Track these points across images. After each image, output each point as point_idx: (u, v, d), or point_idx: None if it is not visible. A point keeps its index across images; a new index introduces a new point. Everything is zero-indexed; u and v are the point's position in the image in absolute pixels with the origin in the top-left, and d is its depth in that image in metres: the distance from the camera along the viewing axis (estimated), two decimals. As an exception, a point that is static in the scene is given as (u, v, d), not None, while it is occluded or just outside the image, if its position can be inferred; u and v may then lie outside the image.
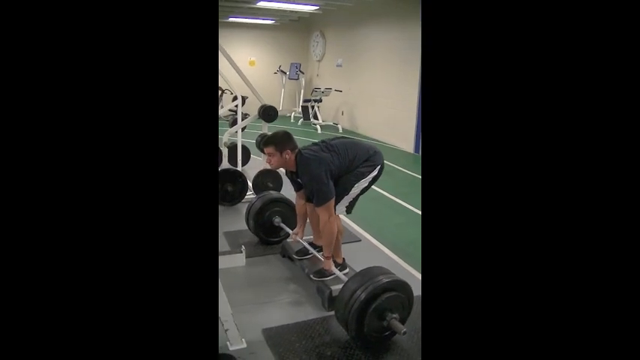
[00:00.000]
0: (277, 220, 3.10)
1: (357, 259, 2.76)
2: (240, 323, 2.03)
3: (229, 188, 3.87)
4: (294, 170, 2.47)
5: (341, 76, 9.30)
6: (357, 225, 3.68)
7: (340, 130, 8.56)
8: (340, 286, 2.16)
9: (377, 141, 7.64)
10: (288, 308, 2.43)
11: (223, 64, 3.08)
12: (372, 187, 2.54)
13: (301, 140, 2.68)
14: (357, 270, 2.22)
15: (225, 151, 4.61)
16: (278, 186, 3.97)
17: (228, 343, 1.94)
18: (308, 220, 2.79)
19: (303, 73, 10.14)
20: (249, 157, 4.99)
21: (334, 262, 2.56)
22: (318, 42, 10.17)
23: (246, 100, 4.94)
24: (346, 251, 2.74)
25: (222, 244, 3.17)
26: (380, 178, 2.53)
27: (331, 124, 9.03)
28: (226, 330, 1.92)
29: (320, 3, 7.35)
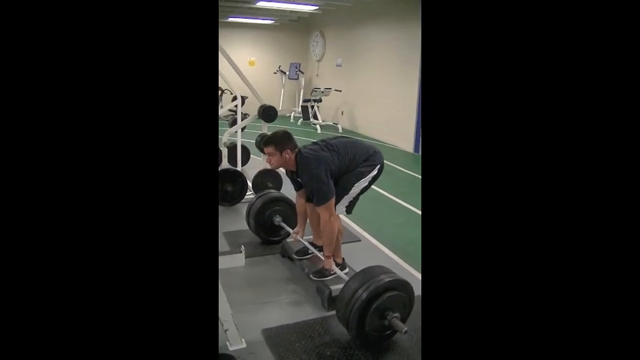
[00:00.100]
0: (278, 219, 3.10)
1: (357, 259, 2.76)
2: (239, 323, 2.03)
3: (229, 188, 3.87)
4: (294, 170, 2.47)
5: (341, 75, 9.30)
6: (357, 225, 3.68)
7: (340, 130, 8.56)
8: (340, 286, 2.16)
9: (377, 141, 7.64)
10: (287, 308, 2.43)
11: (223, 64, 3.07)
12: (372, 186, 2.54)
13: (301, 140, 2.68)
14: (357, 270, 2.22)
15: (224, 151, 4.60)
16: (278, 186, 3.97)
17: (227, 343, 1.94)
18: (308, 220, 2.79)
19: (302, 73, 10.14)
20: (249, 157, 4.99)
21: (334, 261, 2.56)
22: (317, 42, 10.17)
23: (246, 100, 4.93)
24: (346, 251, 2.74)
25: (222, 245, 3.17)
26: (380, 177, 2.54)
27: (331, 124, 9.03)
28: (226, 330, 1.92)
29: (319, 3, 7.35)
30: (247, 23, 9.85)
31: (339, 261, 2.63)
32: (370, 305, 1.93)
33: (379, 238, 3.48)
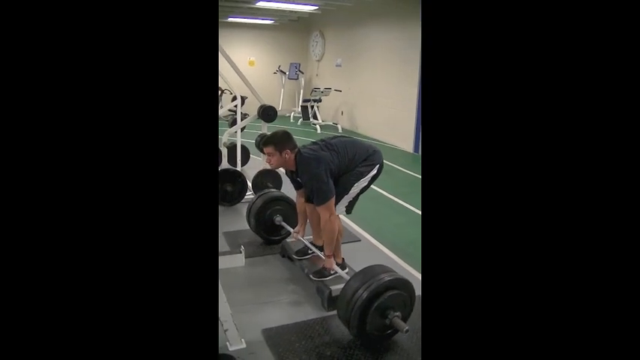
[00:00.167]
0: (278, 218, 3.10)
1: (357, 259, 2.76)
2: (239, 323, 2.03)
3: (229, 188, 3.87)
4: (294, 169, 2.47)
5: (340, 75, 9.30)
6: (357, 225, 3.68)
7: (340, 130, 8.56)
8: (340, 286, 2.16)
9: (377, 141, 7.64)
10: (287, 308, 2.43)
11: (223, 64, 3.07)
12: (372, 186, 2.54)
13: (301, 140, 2.68)
14: (357, 270, 2.22)
15: (224, 151, 4.60)
16: (277, 186, 3.97)
17: (227, 343, 1.94)
18: (308, 220, 2.79)
19: (302, 73, 10.14)
20: (249, 157, 4.99)
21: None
22: (317, 42, 10.17)
23: (246, 100, 4.93)
24: (346, 251, 2.74)
25: (222, 245, 3.17)
26: (380, 177, 2.54)
27: (331, 123, 9.03)
28: (226, 330, 1.92)
29: (319, 3, 7.35)
30: (247, 23, 9.85)
31: (339, 261, 2.63)
32: (371, 304, 1.93)
33: (379, 238, 3.48)
